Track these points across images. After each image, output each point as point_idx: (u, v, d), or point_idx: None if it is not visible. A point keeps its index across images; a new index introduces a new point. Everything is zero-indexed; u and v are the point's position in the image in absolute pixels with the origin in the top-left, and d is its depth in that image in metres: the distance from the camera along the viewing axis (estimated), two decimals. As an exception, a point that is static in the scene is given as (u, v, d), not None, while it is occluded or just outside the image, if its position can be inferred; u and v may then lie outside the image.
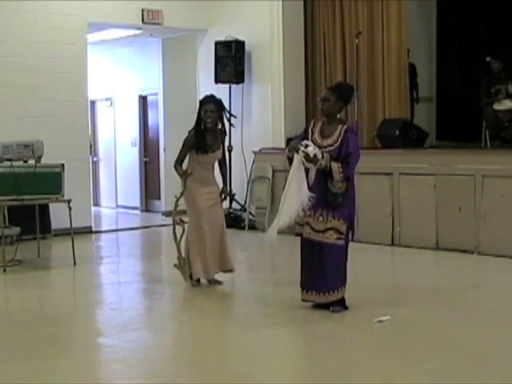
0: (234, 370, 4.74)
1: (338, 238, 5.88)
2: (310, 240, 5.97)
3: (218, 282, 7.21)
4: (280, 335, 5.66)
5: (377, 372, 4.64)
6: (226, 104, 11.43)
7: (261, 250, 10.09)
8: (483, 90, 10.31)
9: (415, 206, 9.24)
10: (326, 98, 5.99)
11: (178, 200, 7.12)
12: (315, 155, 5.75)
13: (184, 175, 7.04)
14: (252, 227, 11.20)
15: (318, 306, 6.03)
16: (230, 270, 7.27)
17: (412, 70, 11.09)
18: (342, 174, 5.78)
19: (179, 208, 7.22)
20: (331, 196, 5.84)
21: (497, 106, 10.04)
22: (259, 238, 10.57)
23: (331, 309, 5.96)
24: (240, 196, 11.61)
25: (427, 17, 12.01)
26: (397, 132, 9.91)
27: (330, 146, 5.87)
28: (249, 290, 7.33)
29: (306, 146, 5.78)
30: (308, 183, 5.82)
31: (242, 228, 11.21)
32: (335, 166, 5.78)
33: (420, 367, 4.68)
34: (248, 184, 11.43)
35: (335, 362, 4.89)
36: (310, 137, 5.96)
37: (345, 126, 5.96)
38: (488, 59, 10.25)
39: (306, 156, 5.74)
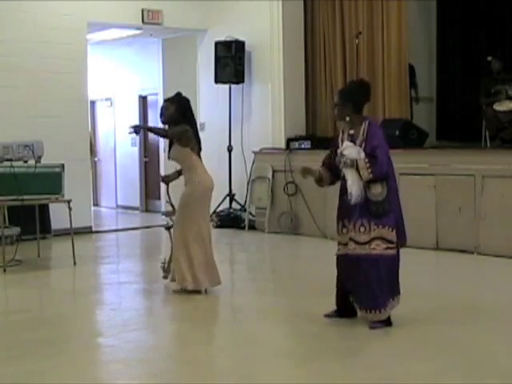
0: (233, 370, 4.74)
1: (388, 248, 5.43)
2: (354, 256, 5.44)
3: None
4: (278, 336, 5.67)
5: (377, 372, 4.63)
6: (225, 105, 11.67)
7: (261, 251, 10.09)
8: (483, 90, 10.31)
9: (415, 205, 9.23)
10: (335, 103, 5.69)
11: None
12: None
13: None
14: (252, 227, 11.19)
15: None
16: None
17: (410, 71, 11.08)
18: (370, 169, 5.32)
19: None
20: (374, 206, 5.39)
21: (497, 107, 10.03)
22: (259, 238, 10.58)
23: (371, 325, 5.47)
24: (240, 196, 11.60)
25: (427, 17, 12.00)
26: (397, 132, 9.90)
27: (360, 146, 5.48)
28: (249, 290, 7.31)
29: (342, 153, 5.47)
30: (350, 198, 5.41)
31: (242, 228, 11.19)
32: (361, 162, 5.35)
33: (420, 367, 4.68)
34: (248, 184, 11.41)
35: (335, 362, 4.89)
36: (340, 146, 5.57)
37: (367, 121, 5.57)
38: (489, 58, 10.25)
39: (351, 161, 5.41)
